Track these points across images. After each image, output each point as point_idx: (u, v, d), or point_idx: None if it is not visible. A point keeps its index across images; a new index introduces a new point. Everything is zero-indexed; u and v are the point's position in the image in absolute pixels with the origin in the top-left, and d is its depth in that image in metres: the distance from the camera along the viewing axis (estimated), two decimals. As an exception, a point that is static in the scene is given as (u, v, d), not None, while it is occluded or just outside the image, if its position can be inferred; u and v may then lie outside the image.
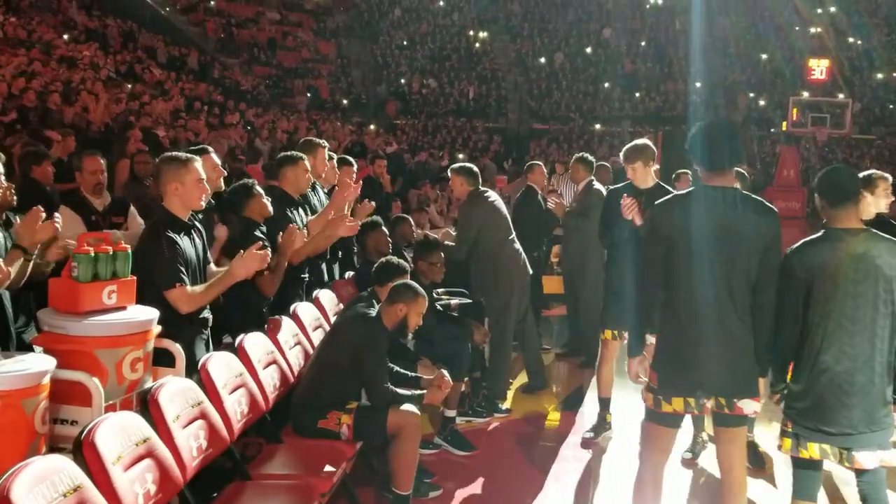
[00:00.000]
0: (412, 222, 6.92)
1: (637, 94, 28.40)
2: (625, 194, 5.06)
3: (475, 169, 6.51)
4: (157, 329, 3.53)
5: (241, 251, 3.89)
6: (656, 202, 3.62)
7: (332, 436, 4.07)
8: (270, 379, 4.20)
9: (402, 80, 29.03)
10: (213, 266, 4.12)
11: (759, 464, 5.04)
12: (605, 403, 5.61)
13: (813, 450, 3.37)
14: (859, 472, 3.44)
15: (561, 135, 26.57)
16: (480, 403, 5.87)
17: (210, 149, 4.86)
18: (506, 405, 6.07)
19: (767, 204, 3.46)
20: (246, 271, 3.84)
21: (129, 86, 14.78)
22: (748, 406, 3.38)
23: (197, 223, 3.99)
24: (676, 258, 3.37)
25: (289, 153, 5.33)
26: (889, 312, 3.28)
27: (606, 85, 29.08)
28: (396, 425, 4.05)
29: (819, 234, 3.40)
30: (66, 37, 17.07)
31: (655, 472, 3.59)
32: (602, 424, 5.59)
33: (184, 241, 3.80)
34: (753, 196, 3.52)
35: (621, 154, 5.41)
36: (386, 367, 4.31)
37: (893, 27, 29.30)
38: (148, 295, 3.60)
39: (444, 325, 5.57)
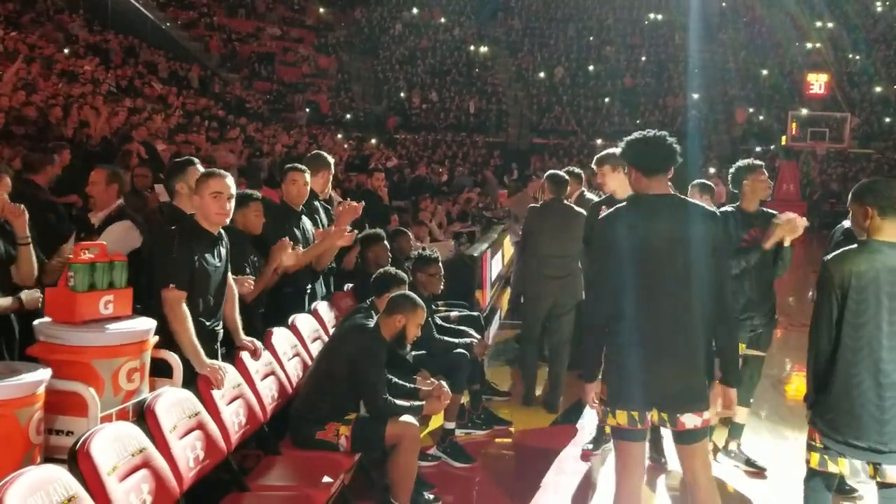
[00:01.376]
0: (410, 235, 6.91)
1: (637, 109, 28.47)
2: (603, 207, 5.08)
3: None
4: (154, 339, 3.52)
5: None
6: (601, 216, 3.57)
7: (330, 447, 4.04)
8: (269, 390, 4.18)
9: (403, 95, 29.13)
10: (230, 279, 4.12)
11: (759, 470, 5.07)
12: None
13: (843, 465, 3.28)
14: (883, 486, 3.32)
15: (561, 149, 26.61)
16: (480, 416, 5.84)
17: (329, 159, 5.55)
18: (505, 417, 6.03)
19: (708, 208, 3.47)
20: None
21: (130, 100, 14.81)
22: (690, 420, 3.28)
23: (222, 236, 3.98)
24: (627, 269, 3.29)
25: (291, 164, 5.34)
26: None
27: (607, 100, 29.17)
28: (395, 436, 4.03)
29: (858, 244, 3.34)
30: (66, 51, 17.13)
31: (629, 496, 3.45)
32: (602, 437, 5.55)
33: (205, 253, 3.81)
34: (693, 202, 3.51)
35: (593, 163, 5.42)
36: (384, 379, 4.27)
37: (891, 42, 29.41)
38: (158, 302, 3.66)
39: (444, 336, 5.56)
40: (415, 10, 32.64)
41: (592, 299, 3.49)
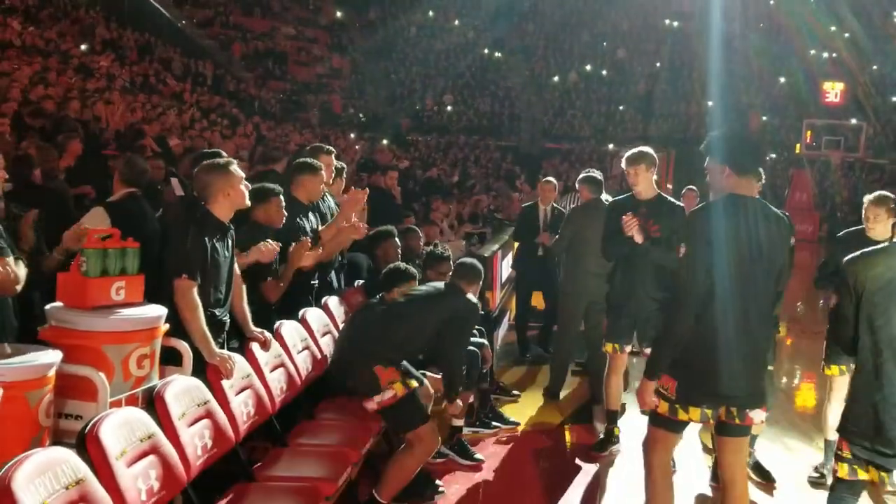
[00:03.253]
0: (421, 234, 6.89)
1: (651, 115, 28.41)
2: (628, 213, 5.06)
3: None
4: (165, 327, 3.52)
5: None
6: (694, 210, 3.57)
7: (374, 389, 4.11)
8: (277, 382, 4.17)
9: (416, 98, 29.15)
10: (237, 269, 4.12)
11: (767, 478, 5.00)
12: (612, 417, 5.55)
13: (874, 472, 3.24)
14: None
15: (573, 154, 26.57)
16: (488, 415, 5.82)
17: (329, 148, 5.48)
18: (514, 417, 6.01)
19: (783, 214, 3.53)
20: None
21: (144, 96, 14.87)
22: (758, 416, 3.41)
23: (231, 227, 3.99)
24: (711, 268, 3.29)
25: (308, 161, 5.32)
26: None
27: (621, 108, 29.10)
28: (418, 436, 4.13)
29: (882, 245, 3.37)
30: (83, 47, 17.22)
31: (665, 471, 3.56)
32: (609, 438, 5.52)
33: (217, 244, 3.82)
34: (772, 206, 3.51)
35: (624, 159, 5.36)
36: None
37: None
38: (168, 291, 3.65)
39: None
40: (430, 13, 32.68)
41: (687, 297, 3.36)
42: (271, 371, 4.15)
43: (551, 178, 8.39)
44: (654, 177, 5.27)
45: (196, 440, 3.29)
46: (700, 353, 3.35)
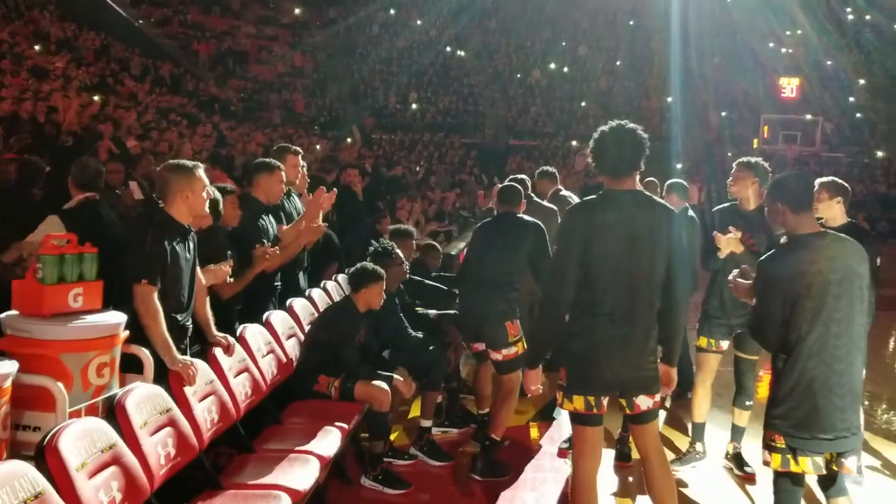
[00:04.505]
0: (439, 249, 6.83)
1: (613, 111, 28.61)
2: None
3: None
4: (125, 334, 3.44)
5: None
6: (568, 207, 3.74)
7: (325, 397, 4.66)
8: (242, 387, 4.12)
9: (379, 96, 29.02)
10: (199, 273, 4.04)
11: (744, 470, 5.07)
12: None
13: (805, 464, 3.31)
14: (830, 480, 3.39)
15: (537, 150, 26.66)
16: (458, 414, 5.81)
17: (295, 149, 5.37)
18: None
19: (668, 205, 3.60)
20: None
21: (101, 96, 14.59)
22: (644, 402, 3.51)
23: (192, 229, 3.92)
24: (587, 259, 3.40)
25: (265, 160, 5.26)
26: (863, 309, 3.33)
27: (583, 104, 29.27)
28: (365, 395, 4.59)
29: (788, 242, 3.40)
30: (37, 47, 16.86)
31: (585, 479, 3.57)
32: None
33: (177, 247, 3.74)
34: (656, 198, 3.60)
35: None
36: (356, 349, 4.83)
37: (862, 48, 29.84)
38: (128, 297, 3.56)
39: (422, 334, 5.53)
40: (392, 11, 32.56)
41: (554, 287, 3.52)
42: (235, 376, 4.09)
43: (522, 176, 8.37)
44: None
45: (159, 449, 3.22)
46: (580, 343, 3.46)
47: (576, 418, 3.56)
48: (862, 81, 28.60)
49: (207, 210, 3.93)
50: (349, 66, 29.97)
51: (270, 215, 5.12)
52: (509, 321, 4.95)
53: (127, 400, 3.14)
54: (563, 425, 5.88)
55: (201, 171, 3.85)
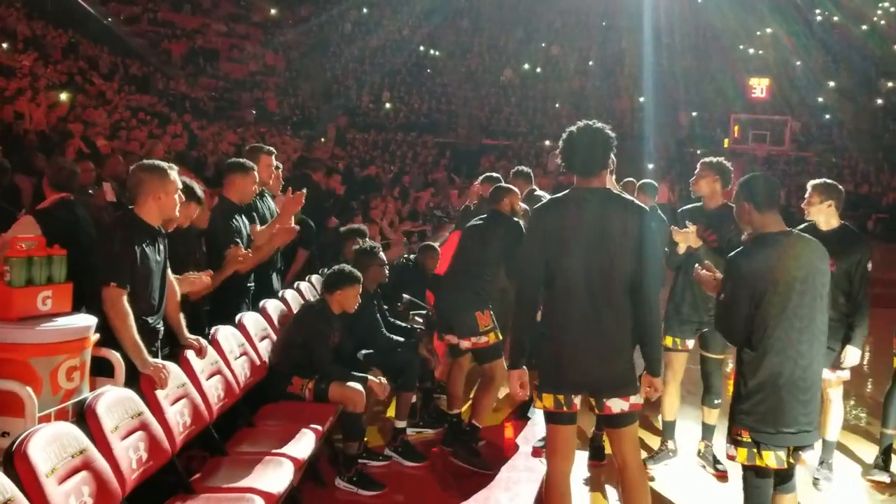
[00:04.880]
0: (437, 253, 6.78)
1: (586, 111, 28.76)
2: None
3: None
4: (95, 337, 3.40)
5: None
6: (535, 206, 3.75)
7: (298, 399, 4.67)
8: (214, 390, 4.08)
9: (352, 95, 28.93)
10: (171, 275, 4.00)
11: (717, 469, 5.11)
12: None
13: (769, 458, 3.40)
14: (787, 474, 3.49)
15: (510, 150, 26.73)
16: (432, 414, 5.80)
17: (268, 149, 5.27)
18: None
19: (637, 202, 3.58)
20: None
21: (69, 94, 14.39)
22: (616, 405, 3.43)
23: (162, 231, 3.87)
24: (555, 257, 3.42)
25: (239, 161, 5.23)
26: (824, 306, 3.41)
27: (556, 105, 29.40)
28: (340, 397, 4.58)
29: (755, 239, 3.47)
30: (4, 45, 16.59)
31: (558, 479, 3.56)
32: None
33: (146, 249, 3.69)
34: (624, 195, 3.61)
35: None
36: (330, 349, 4.82)
37: (829, 48, 30.27)
38: (98, 300, 3.51)
39: (395, 335, 5.53)
40: (364, 10, 32.47)
41: (523, 286, 3.56)
42: (208, 379, 4.05)
43: (496, 175, 8.36)
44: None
45: (130, 453, 3.18)
46: (549, 342, 3.48)
47: (548, 417, 3.56)
48: (831, 83, 29.01)
49: (178, 213, 3.88)
50: (322, 65, 29.86)
51: (243, 216, 5.09)
52: (479, 311, 5.03)
53: (98, 404, 3.10)
54: (537, 424, 5.91)
55: (175, 174, 3.81)
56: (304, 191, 5.35)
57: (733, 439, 3.49)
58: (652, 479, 4.91)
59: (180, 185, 3.83)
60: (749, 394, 3.40)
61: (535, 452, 5.41)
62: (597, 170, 3.47)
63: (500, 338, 5.11)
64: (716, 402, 5.14)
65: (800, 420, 3.36)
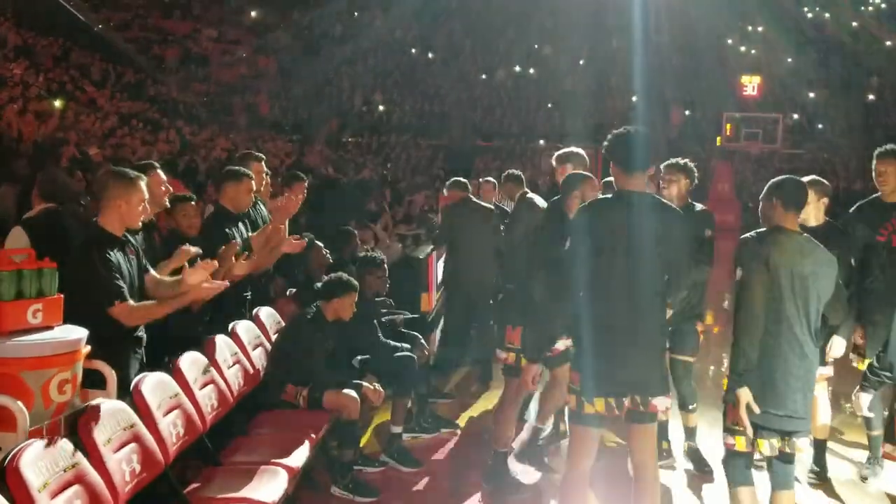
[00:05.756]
0: (356, 235, 6.79)
1: (579, 111, 28.77)
2: None
3: None
4: (86, 349, 3.38)
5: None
6: (581, 205, 3.78)
7: (292, 407, 4.63)
8: (208, 399, 4.07)
9: (345, 98, 28.91)
10: (154, 273, 3.98)
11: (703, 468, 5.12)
12: (559, 412, 5.59)
13: (763, 446, 3.54)
14: (781, 460, 3.60)
15: (504, 151, 26.73)
16: (427, 419, 5.79)
17: (156, 164, 4.79)
18: (453, 420, 6.00)
19: (676, 209, 3.71)
20: (202, 294, 3.85)
21: (62, 103, 14.36)
22: (661, 403, 3.55)
23: (131, 239, 3.87)
24: (601, 260, 3.47)
25: (233, 169, 5.22)
26: (821, 307, 3.56)
27: (549, 105, 29.41)
28: (335, 404, 4.56)
29: (772, 229, 3.61)
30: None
31: (580, 477, 3.64)
32: (556, 435, 5.55)
33: (118, 258, 3.68)
34: (664, 201, 3.71)
35: (554, 157, 5.42)
36: (322, 357, 4.80)
37: (820, 46, 30.33)
38: (79, 314, 3.44)
39: (390, 341, 5.52)
40: (356, 13, 32.44)
41: (568, 284, 3.59)
42: (201, 388, 4.04)
43: (490, 178, 8.37)
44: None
45: (124, 466, 3.18)
46: (599, 345, 3.50)
47: (588, 420, 3.56)
48: (822, 80, 29.06)
49: (140, 224, 3.87)
50: (313, 68, 29.82)
51: (239, 224, 5.08)
52: None
53: (90, 417, 3.09)
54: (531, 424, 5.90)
55: (143, 183, 3.78)
56: (300, 196, 5.34)
57: (729, 428, 3.62)
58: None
59: (146, 196, 3.79)
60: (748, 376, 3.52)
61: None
62: (643, 168, 3.56)
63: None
64: (691, 406, 5.17)
65: (788, 406, 3.49)
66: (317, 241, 6.01)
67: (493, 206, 7.41)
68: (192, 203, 4.91)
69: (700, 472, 5.12)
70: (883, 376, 4.74)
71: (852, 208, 5.08)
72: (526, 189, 7.44)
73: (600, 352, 3.50)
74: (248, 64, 29.00)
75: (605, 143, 3.64)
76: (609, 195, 3.75)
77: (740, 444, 3.57)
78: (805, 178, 4.89)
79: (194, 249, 4.29)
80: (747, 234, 3.67)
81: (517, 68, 31.06)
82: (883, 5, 30.05)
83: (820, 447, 5.06)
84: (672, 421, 5.39)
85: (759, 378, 3.50)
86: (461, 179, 7.57)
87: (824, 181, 4.93)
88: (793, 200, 3.64)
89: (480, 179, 8.57)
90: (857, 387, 4.93)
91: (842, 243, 4.68)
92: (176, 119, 19.41)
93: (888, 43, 28.95)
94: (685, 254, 3.60)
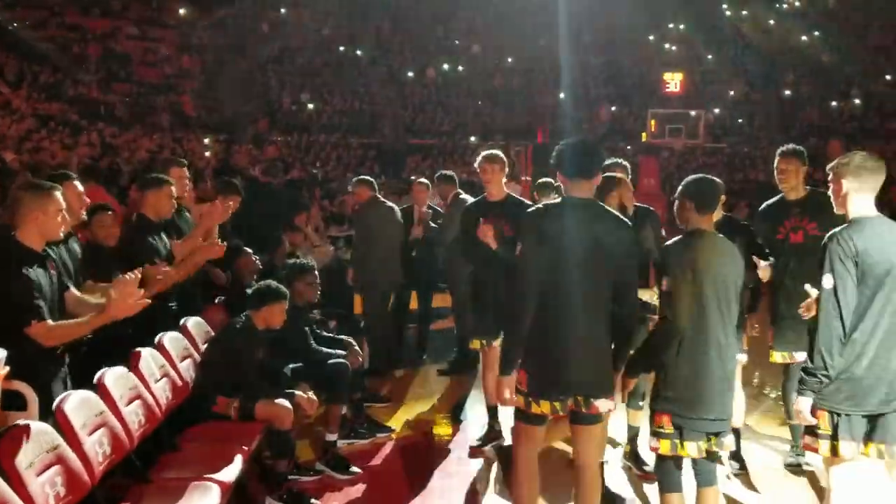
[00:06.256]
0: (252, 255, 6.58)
1: (509, 108, 29.01)
2: (482, 219, 5.18)
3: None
4: (4, 370, 3.25)
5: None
6: (529, 210, 3.80)
7: (225, 418, 4.51)
8: (135, 416, 3.96)
9: (272, 96, 28.50)
10: (75, 292, 3.86)
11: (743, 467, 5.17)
12: (493, 412, 5.63)
13: (689, 447, 3.58)
14: (706, 460, 3.67)
15: (436, 149, 26.76)
16: (363, 424, 5.76)
17: (73, 174, 4.63)
18: (388, 424, 5.99)
19: (624, 219, 3.73)
20: (126, 311, 3.54)
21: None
22: (603, 405, 3.60)
23: (51, 253, 3.74)
24: (548, 265, 3.51)
25: (153, 175, 5.11)
26: (739, 300, 3.65)
27: (479, 102, 29.58)
28: (267, 414, 4.47)
29: (689, 234, 3.67)
30: None
31: (529, 464, 3.75)
32: (491, 433, 5.60)
33: (37, 274, 3.54)
34: (613, 211, 3.78)
35: (480, 157, 5.48)
36: (255, 367, 4.71)
37: (738, 44, 31.26)
38: None
39: (323, 347, 5.47)
40: (282, 10, 31.98)
41: (522, 293, 3.57)
42: (127, 404, 3.92)
43: (423, 179, 8.36)
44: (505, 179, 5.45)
45: (47, 489, 3.07)
46: (544, 347, 3.56)
47: (531, 419, 3.66)
48: (741, 76, 29.97)
49: (62, 234, 3.75)
50: (240, 67, 29.31)
51: (162, 233, 4.96)
52: None
53: (10, 440, 2.97)
54: (469, 428, 5.94)
55: (58, 193, 3.66)
56: (231, 202, 5.26)
57: (655, 431, 3.66)
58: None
59: (63, 206, 3.66)
60: (673, 380, 3.59)
61: (472, 453, 5.45)
62: (589, 176, 3.60)
63: None
64: (640, 403, 5.13)
65: (716, 409, 3.56)
66: (246, 248, 5.92)
67: (394, 207, 7.45)
68: (109, 213, 4.79)
69: (640, 471, 5.11)
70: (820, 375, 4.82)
71: (761, 207, 5.21)
72: (459, 189, 7.52)
73: (545, 354, 3.56)
74: (172, 63, 28.28)
75: (553, 153, 3.69)
76: (556, 201, 3.81)
77: (664, 447, 3.60)
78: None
79: (164, 269, 4.37)
80: (670, 242, 3.73)
81: (446, 66, 31.11)
82: (797, 3, 31.16)
83: (736, 435, 5.17)
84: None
85: (685, 385, 3.55)
86: (367, 178, 7.68)
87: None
88: (705, 201, 3.66)
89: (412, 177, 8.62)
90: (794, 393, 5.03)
91: (739, 237, 4.77)
92: (97, 120, 18.82)
93: (803, 39, 30.04)
94: (631, 258, 3.64)
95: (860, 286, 3.29)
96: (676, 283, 3.54)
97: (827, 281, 3.31)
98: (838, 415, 3.35)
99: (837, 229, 3.38)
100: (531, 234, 3.62)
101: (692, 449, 3.59)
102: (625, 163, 5.43)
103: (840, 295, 3.27)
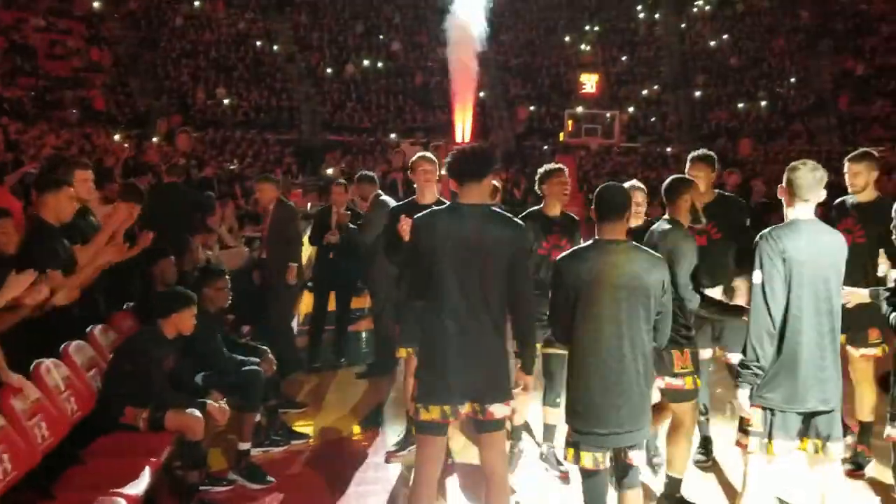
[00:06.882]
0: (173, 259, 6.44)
1: (430, 106, 29.05)
2: (403, 215, 5.12)
3: None
4: None
5: None
6: (415, 216, 3.79)
7: (132, 429, 4.41)
8: (38, 429, 3.84)
9: (186, 91, 27.80)
10: None
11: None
12: (412, 418, 5.61)
13: (585, 459, 3.56)
14: (623, 470, 3.65)
15: (355, 146, 26.60)
16: (278, 432, 5.69)
17: (84, 162, 4.48)
18: (304, 430, 5.94)
19: (514, 219, 3.75)
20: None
21: None
22: (499, 410, 3.58)
23: None
24: (433, 270, 3.54)
25: (49, 177, 4.92)
26: (648, 317, 3.53)
27: (400, 99, 29.51)
28: (178, 425, 4.40)
29: (588, 243, 3.64)
30: None
31: (428, 483, 3.68)
32: (409, 438, 5.58)
33: None
34: (501, 212, 3.80)
35: (415, 158, 5.46)
36: (164, 375, 4.63)
37: (651, 45, 32.11)
38: None
39: (236, 354, 5.37)
40: (196, 3, 31.20)
41: (408, 295, 3.69)
42: (29, 419, 3.80)
43: (342, 181, 8.28)
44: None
45: (-60, 513, 2.94)
46: (432, 353, 3.59)
47: (425, 428, 3.61)
48: (653, 76, 30.80)
49: None
50: (152, 61, 28.50)
51: (63, 238, 4.78)
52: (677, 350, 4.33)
53: None
54: (387, 433, 5.94)
55: None
56: (133, 213, 5.12)
57: (566, 440, 3.65)
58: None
59: None
60: (570, 392, 3.61)
61: (388, 457, 5.44)
62: (479, 178, 3.61)
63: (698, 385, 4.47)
64: (557, 400, 5.04)
65: (612, 422, 3.47)
66: (169, 255, 5.75)
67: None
68: (9, 218, 4.56)
69: (557, 470, 5.12)
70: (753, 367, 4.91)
71: None
72: (379, 191, 7.50)
73: (432, 360, 3.58)
74: (81, 56, 27.24)
75: (447, 160, 3.72)
76: (442, 207, 3.85)
77: (569, 455, 3.61)
78: (626, 184, 5.16)
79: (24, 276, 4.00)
80: (565, 253, 3.70)
81: (366, 63, 30.95)
82: (707, 8, 32.23)
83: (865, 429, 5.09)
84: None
85: (581, 397, 3.52)
86: (271, 176, 7.68)
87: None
88: (607, 209, 3.56)
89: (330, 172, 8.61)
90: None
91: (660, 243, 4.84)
92: (0, 116, 17.98)
93: (712, 43, 31.10)
94: (521, 261, 3.64)
95: (792, 285, 3.42)
96: (556, 297, 3.63)
97: (756, 277, 3.47)
98: (773, 412, 3.45)
99: (768, 229, 3.52)
100: (410, 240, 3.69)
101: (588, 460, 3.55)
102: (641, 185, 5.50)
103: (768, 290, 3.43)
